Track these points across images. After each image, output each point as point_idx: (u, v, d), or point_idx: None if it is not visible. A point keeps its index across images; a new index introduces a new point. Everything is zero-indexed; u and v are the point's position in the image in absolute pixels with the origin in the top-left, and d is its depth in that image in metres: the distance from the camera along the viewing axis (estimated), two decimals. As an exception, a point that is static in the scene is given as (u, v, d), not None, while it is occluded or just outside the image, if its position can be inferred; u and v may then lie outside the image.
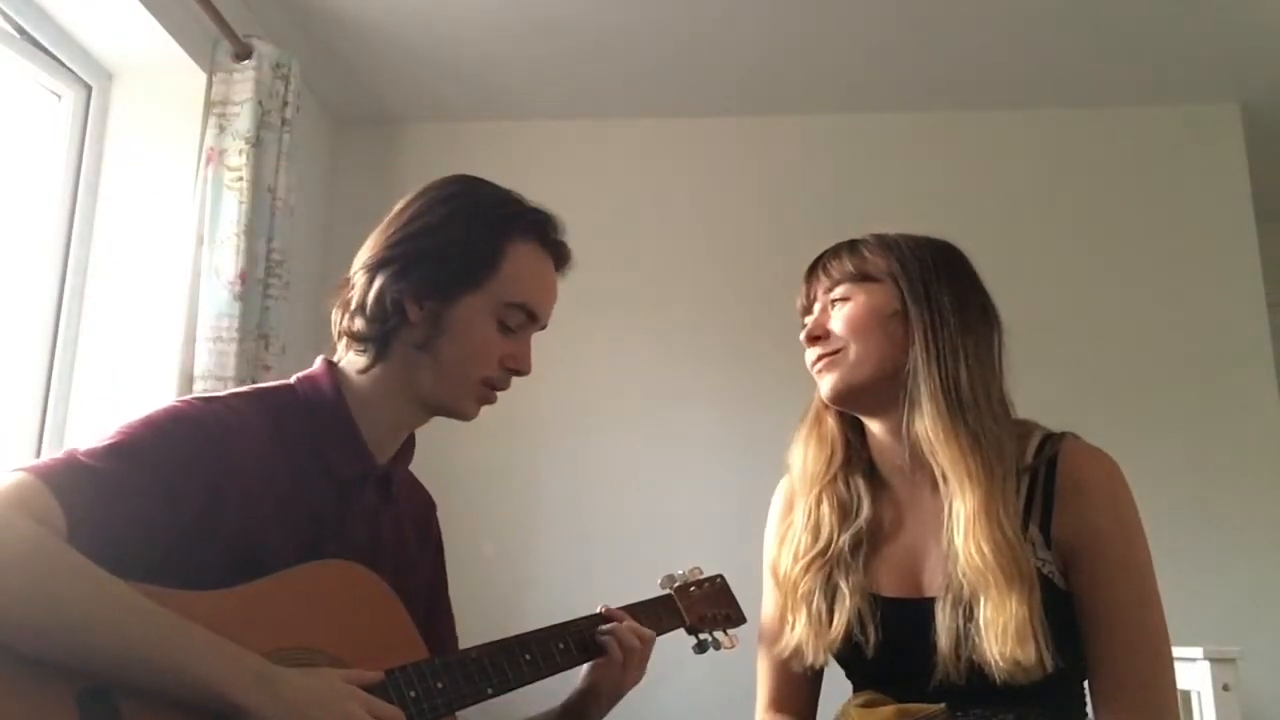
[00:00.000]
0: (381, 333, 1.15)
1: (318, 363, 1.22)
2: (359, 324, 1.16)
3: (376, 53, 2.80)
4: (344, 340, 1.20)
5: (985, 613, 1.08)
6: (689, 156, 3.09)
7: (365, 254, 1.19)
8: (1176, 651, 1.87)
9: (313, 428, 1.15)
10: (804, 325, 1.30)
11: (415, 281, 1.14)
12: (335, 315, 1.20)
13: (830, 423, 1.30)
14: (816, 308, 1.29)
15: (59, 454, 0.96)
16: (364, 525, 1.18)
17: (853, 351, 1.21)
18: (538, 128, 3.12)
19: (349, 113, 3.12)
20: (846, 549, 1.23)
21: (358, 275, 1.18)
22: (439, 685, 1.05)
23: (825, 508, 1.26)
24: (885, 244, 1.27)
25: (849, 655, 1.21)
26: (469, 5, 2.58)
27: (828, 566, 1.23)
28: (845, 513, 1.25)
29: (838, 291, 1.26)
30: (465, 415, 1.21)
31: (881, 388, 1.21)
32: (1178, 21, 2.59)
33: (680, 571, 1.44)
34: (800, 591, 1.24)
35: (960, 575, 1.12)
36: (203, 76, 2.36)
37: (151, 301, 2.31)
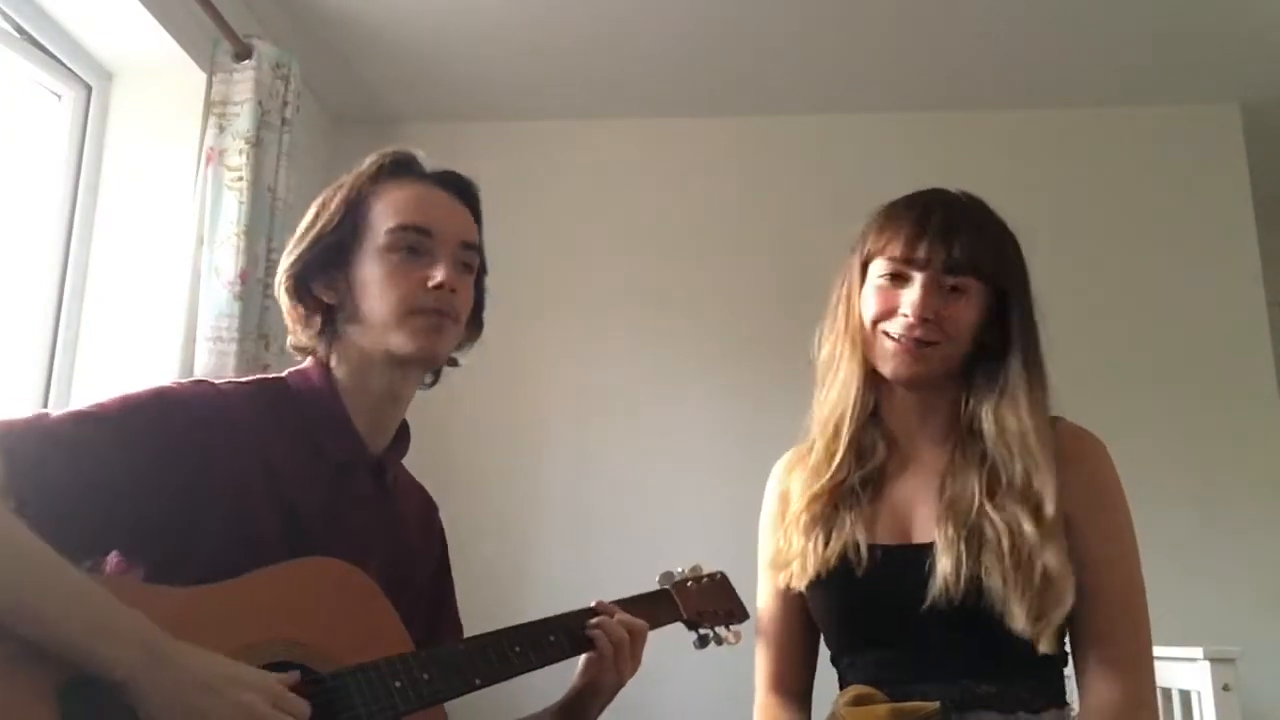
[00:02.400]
0: (321, 329, 1.22)
1: (308, 360, 1.26)
2: (303, 337, 1.23)
3: (376, 53, 2.80)
4: (300, 354, 1.26)
5: (1041, 596, 1.13)
6: (688, 156, 3.09)
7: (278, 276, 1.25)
8: (1176, 651, 1.89)
9: (303, 414, 1.19)
10: (896, 272, 1.24)
11: (317, 274, 1.21)
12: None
13: (860, 376, 1.30)
14: (921, 279, 1.22)
15: (29, 413, 0.98)
16: (359, 512, 1.19)
17: (949, 350, 1.24)
18: (538, 128, 3.11)
19: (348, 112, 3.11)
20: (857, 485, 1.28)
21: (279, 297, 1.24)
22: (425, 676, 1.05)
23: (845, 447, 1.29)
24: (992, 234, 1.28)
25: (840, 573, 1.23)
26: (469, 5, 2.58)
27: (834, 500, 1.28)
28: (861, 454, 1.30)
29: (957, 280, 1.23)
30: (423, 353, 1.19)
31: (941, 379, 1.26)
32: (1178, 21, 2.59)
33: (679, 569, 1.43)
34: (803, 520, 1.28)
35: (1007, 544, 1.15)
36: (203, 76, 2.36)
37: (151, 301, 2.31)
